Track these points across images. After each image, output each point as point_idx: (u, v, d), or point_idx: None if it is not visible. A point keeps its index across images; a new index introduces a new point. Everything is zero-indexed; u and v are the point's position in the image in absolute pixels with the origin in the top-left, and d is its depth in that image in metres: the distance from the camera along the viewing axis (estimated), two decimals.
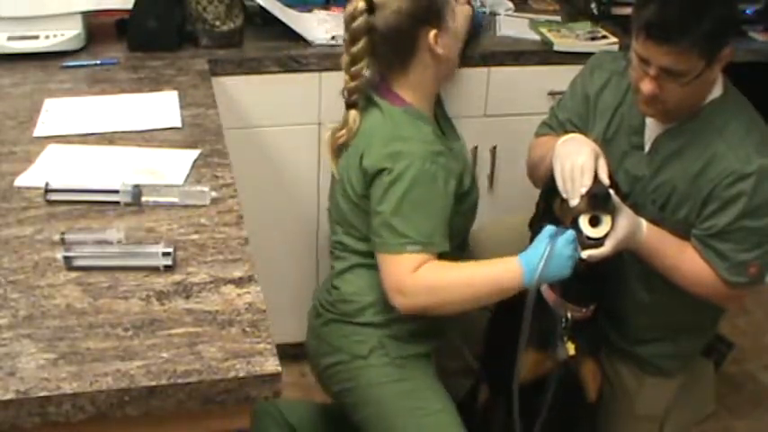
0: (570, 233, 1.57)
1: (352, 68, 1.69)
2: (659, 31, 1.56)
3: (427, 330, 1.79)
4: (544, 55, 2.43)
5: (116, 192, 1.45)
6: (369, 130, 1.69)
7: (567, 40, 2.46)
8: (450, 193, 1.65)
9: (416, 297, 1.62)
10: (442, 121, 1.83)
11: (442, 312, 1.71)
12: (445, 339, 1.94)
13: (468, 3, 2.27)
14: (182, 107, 1.88)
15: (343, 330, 1.79)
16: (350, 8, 1.66)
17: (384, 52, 1.69)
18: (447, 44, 1.67)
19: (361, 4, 1.64)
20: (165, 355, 1.10)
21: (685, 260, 1.72)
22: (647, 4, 1.60)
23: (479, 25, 2.47)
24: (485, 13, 2.70)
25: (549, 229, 1.59)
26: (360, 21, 1.64)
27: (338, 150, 1.76)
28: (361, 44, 1.66)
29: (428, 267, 1.61)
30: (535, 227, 1.78)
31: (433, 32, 1.64)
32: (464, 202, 1.75)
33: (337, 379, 1.80)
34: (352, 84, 1.71)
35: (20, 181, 1.52)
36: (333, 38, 2.35)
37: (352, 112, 1.72)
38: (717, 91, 1.72)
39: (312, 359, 1.88)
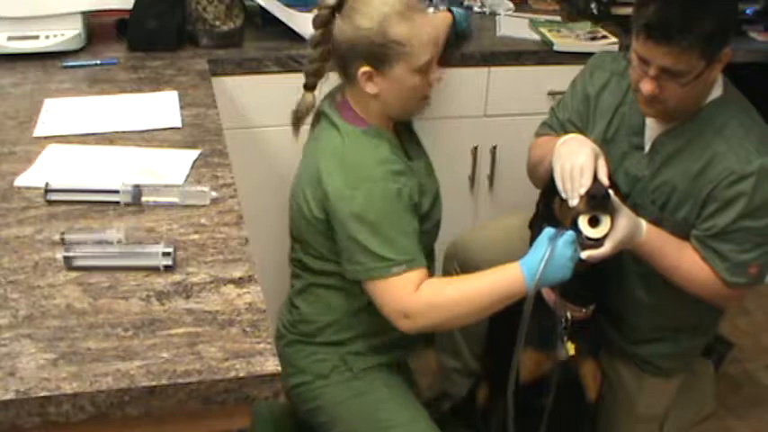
0: (570, 234, 1.56)
1: (311, 51, 1.70)
2: (659, 32, 1.56)
3: (391, 343, 1.78)
4: (544, 55, 2.43)
5: (116, 192, 1.45)
6: (327, 151, 1.66)
7: (567, 40, 2.46)
8: (415, 206, 1.65)
9: (422, 318, 1.60)
10: (405, 137, 1.79)
11: (450, 328, 1.70)
12: (415, 348, 1.91)
13: (449, 10, 2.23)
14: (182, 107, 1.88)
15: (304, 350, 1.79)
16: None
17: (335, 59, 1.68)
18: (383, 87, 1.62)
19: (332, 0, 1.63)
20: (165, 355, 1.10)
21: (685, 260, 1.72)
22: (647, 4, 1.59)
23: (468, 29, 2.41)
24: (471, 14, 2.68)
25: (548, 231, 1.58)
26: (324, 12, 1.64)
27: (298, 124, 1.78)
28: (318, 32, 1.67)
29: (428, 285, 1.60)
30: (535, 227, 1.78)
31: (363, 69, 1.60)
32: (425, 223, 1.72)
33: (303, 399, 1.80)
34: (309, 67, 1.72)
35: (20, 181, 1.52)
36: None
37: (308, 95, 1.74)
38: (717, 91, 1.72)
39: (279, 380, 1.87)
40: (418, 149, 1.83)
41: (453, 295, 1.61)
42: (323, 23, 1.65)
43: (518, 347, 1.61)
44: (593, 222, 1.59)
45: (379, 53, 1.58)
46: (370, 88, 1.62)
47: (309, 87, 1.75)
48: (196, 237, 1.37)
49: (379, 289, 1.61)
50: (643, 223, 1.68)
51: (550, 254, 1.54)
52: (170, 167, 1.59)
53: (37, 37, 2.12)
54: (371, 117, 1.67)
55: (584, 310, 1.75)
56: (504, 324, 1.89)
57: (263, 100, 2.27)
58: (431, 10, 2.55)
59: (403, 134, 1.78)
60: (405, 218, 1.61)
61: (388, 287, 1.59)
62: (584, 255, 1.59)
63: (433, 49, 1.62)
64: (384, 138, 1.67)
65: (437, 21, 1.64)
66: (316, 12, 1.67)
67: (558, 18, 2.70)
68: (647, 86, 1.63)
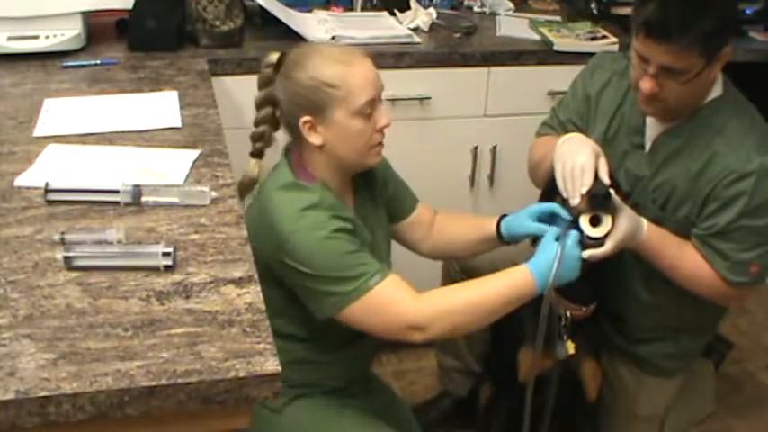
0: (576, 234, 1.56)
1: (256, 114, 1.68)
2: (659, 29, 1.56)
3: (322, 392, 1.72)
4: (544, 55, 2.43)
5: (116, 192, 1.45)
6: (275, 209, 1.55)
7: (567, 40, 2.46)
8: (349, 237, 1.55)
9: (437, 326, 1.51)
10: (362, 195, 1.72)
11: (460, 335, 1.66)
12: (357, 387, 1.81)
13: None
14: (182, 107, 1.88)
15: None
16: (267, 58, 1.63)
17: (282, 121, 1.66)
18: (327, 137, 1.56)
19: (273, 57, 1.61)
20: (165, 355, 1.10)
21: (686, 259, 1.72)
22: (647, 2, 1.59)
23: None
24: (471, 14, 2.70)
25: (553, 231, 1.58)
26: (266, 71, 1.63)
27: (243, 194, 1.69)
28: (262, 93, 1.65)
29: (437, 292, 1.57)
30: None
31: (304, 119, 1.55)
32: None
33: None
34: (255, 131, 1.69)
35: (20, 181, 1.52)
36: (333, 38, 2.35)
37: (251, 162, 1.69)
38: (717, 90, 1.72)
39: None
40: (373, 210, 1.75)
41: (463, 301, 1.55)
42: (265, 83, 1.63)
43: (536, 346, 1.59)
44: (594, 222, 1.60)
45: (314, 99, 1.54)
46: (315, 139, 1.57)
47: (255, 154, 1.71)
48: (196, 237, 1.37)
49: (368, 309, 1.51)
50: (644, 222, 1.68)
51: (561, 254, 1.53)
52: (170, 167, 1.59)
53: (37, 37, 2.12)
54: (320, 173, 1.60)
55: (583, 309, 1.75)
56: (507, 324, 1.89)
57: None
58: (430, 10, 2.57)
59: (360, 191, 1.71)
60: (347, 245, 1.52)
61: (378, 303, 1.51)
62: (586, 254, 1.59)
63: (372, 89, 1.55)
64: (321, 192, 1.58)
65: (372, 67, 1.58)
66: (260, 72, 1.65)
67: (558, 18, 2.70)
68: (646, 85, 1.63)
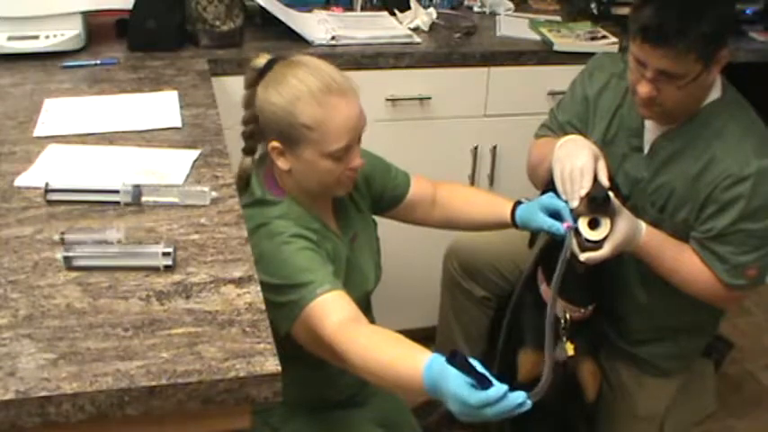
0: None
1: (244, 113, 1.64)
2: (656, 34, 1.56)
3: (323, 406, 1.70)
4: (544, 55, 2.43)
5: (116, 192, 1.45)
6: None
7: (567, 40, 2.46)
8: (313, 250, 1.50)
9: (344, 356, 1.38)
10: (342, 210, 1.69)
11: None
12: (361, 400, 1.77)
13: None
14: (182, 107, 1.88)
15: None
16: (255, 59, 1.60)
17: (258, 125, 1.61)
18: (295, 166, 1.54)
19: (261, 62, 1.58)
20: (165, 355, 1.10)
21: (684, 263, 1.72)
22: (643, 7, 1.59)
23: None
24: (471, 14, 2.71)
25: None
26: (251, 74, 1.59)
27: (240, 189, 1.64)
28: (248, 93, 1.61)
29: (345, 329, 1.39)
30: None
31: (273, 144, 1.54)
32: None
33: None
34: (244, 129, 1.65)
35: (20, 181, 1.52)
36: (333, 38, 2.35)
37: (247, 160, 1.65)
38: (715, 93, 1.72)
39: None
40: (357, 216, 1.72)
41: (357, 352, 1.35)
42: (250, 84, 1.59)
43: (547, 349, 1.55)
44: (593, 224, 1.59)
45: (287, 131, 1.51)
46: (282, 164, 1.55)
47: (247, 151, 1.67)
48: (196, 237, 1.37)
49: (308, 321, 1.43)
50: (643, 225, 1.68)
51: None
52: (170, 167, 1.59)
53: (37, 37, 2.12)
54: (289, 189, 1.59)
55: (582, 311, 1.75)
56: (506, 325, 1.89)
57: None
58: (430, 10, 2.57)
59: (341, 201, 1.68)
60: (302, 253, 1.48)
61: (317, 314, 1.41)
62: (584, 257, 1.59)
63: (348, 136, 1.51)
64: (287, 207, 1.56)
65: (356, 107, 1.52)
66: (247, 71, 1.61)
67: (558, 18, 2.70)
68: (643, 89, 1.63)
